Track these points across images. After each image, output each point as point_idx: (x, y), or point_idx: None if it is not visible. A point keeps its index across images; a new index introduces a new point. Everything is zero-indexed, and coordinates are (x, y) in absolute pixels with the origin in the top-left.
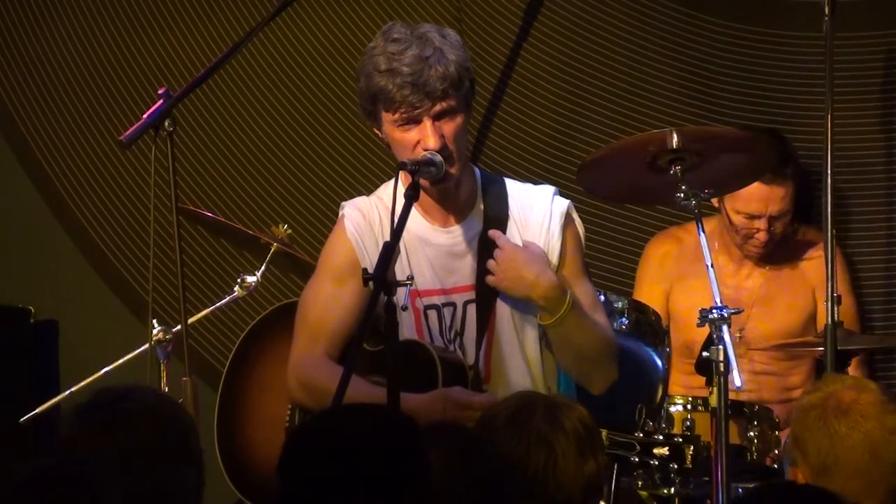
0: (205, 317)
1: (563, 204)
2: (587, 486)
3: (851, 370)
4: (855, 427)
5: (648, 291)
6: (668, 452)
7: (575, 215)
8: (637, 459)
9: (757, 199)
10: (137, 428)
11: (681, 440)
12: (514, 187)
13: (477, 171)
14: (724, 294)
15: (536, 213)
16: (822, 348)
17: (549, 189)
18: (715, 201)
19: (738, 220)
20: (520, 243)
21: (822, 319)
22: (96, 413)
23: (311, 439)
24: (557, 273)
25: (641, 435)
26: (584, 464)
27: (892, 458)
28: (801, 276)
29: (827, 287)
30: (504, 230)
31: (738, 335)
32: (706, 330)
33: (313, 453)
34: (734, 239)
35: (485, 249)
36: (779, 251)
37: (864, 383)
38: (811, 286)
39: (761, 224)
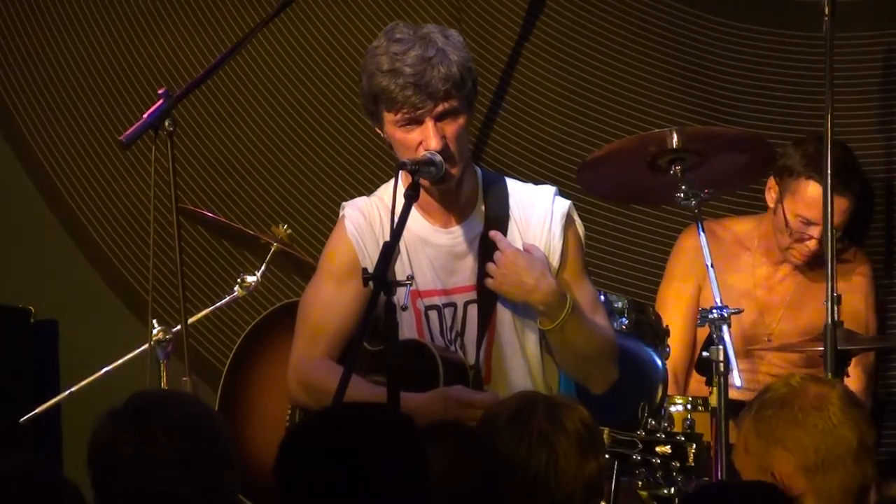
0: (205, 317)
1: (564, 204)
2: (588, 486)
3: (851, 369)
4: (844, 417)
5: (680, 284)
6: (670, 451)
7: (576, 216)
8: (639, 458)
9: (819, 206)
10: (178, 435)
11: (683, 438)
12: (515, 187)
13: (479, 171)
14: (758, 294)
15: (537, 213)
16: (821, 348)
17: (550, 189)
18: (770, 199)
19: (794, 223)
20: (520, 244)
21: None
22: (135, 419)
23: (308, 439)
24: (558, 274)
25: (643, 433)
26: (585, 464)
27: (871, 452)
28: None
29: (827, 287)
30: (505, 230)
31: (767, 338)
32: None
33: (310, 453)
34: (780, 241)
35: (486, 250)
36: (817, 261)
37: (820, 377)
38: (840, 297)
39: (815, 232)
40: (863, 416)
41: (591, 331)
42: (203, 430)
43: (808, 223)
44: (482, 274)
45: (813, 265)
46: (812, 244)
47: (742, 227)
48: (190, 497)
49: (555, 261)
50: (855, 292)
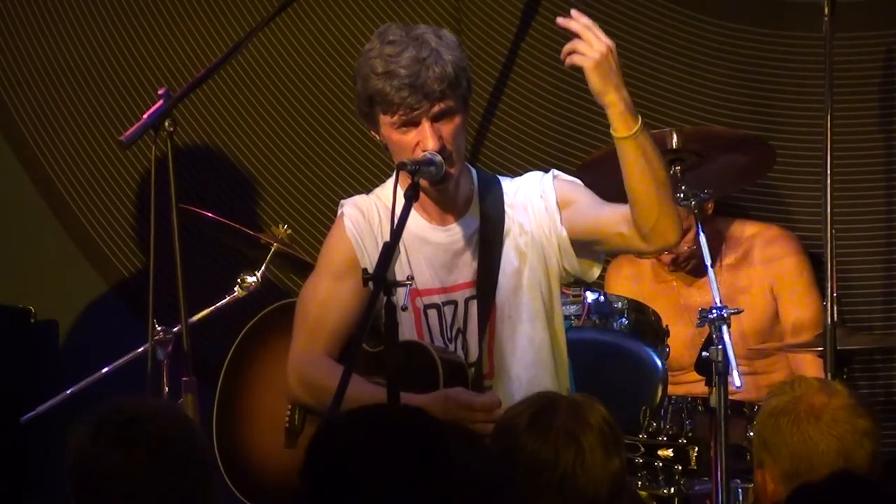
0: (205, 317)
1: (547, 175)
2: (613, 483)
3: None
4: (828, 432)
5: None
6: (672, 454)
7: (561, 174)
8: (641, 461)
9: None
10: (156, 448)
11: (685, 442)
12: (507, 183)
13: (473, 170)
14: (693, 302)
15: (529, 193)
16: (821, 348)
17: (536, 173)
18: None
19: None
20: (520, 239)
21: (786, 319)
22: (113, 432)
23: (338, 441)
24: (566, 210)
25: (645, 436)
26: (610, 461)
27: (864, 462)
28: (757, 276)
29: (827, 287)
30: (501, 227)
31: None
32: (680, 344)
33: (340, 454)
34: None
35: (484, 246)
36: (732, 253)
37: (832, 386)
38: (768, 284)
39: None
40: (861, 429)
41: (657, 148)
42: (181, 443)
43: None
44: (482, 270)
45: (730, 262)
46: (665, 258)
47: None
48: None
49: (557, 220)
50: (788, 273)
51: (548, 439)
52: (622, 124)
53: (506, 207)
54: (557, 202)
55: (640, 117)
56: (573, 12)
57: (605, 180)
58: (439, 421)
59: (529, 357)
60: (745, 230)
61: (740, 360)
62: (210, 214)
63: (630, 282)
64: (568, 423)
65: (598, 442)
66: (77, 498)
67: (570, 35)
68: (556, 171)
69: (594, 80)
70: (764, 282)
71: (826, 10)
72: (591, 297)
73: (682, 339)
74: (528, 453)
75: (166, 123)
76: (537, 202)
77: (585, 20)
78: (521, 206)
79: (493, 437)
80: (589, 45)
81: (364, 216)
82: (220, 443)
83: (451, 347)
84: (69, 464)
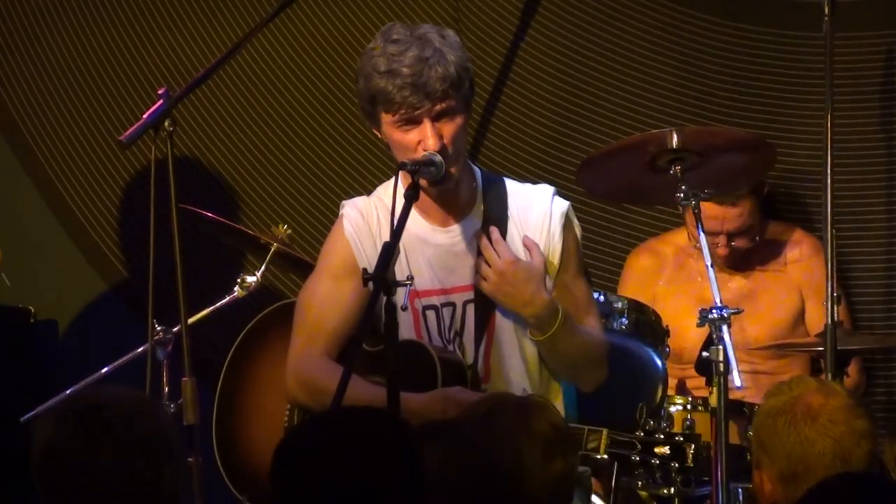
0: (205, 317)
1: (563, 205)
2: (554, 487)
3: (851, 371)
4: (825, 433)
5: None
6: (668, 452)
7: (574, 217)
8: (638, 459)
9: (711, 217)
10: (116, 436)
11: (681, 439)
12: (513, 187)
13: (477, 170)
14: (708, 298)
15: (536, 213)
16: (821, 348)
17: (548, 189)
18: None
19: (696, 236)
20: (520, 243)
21: (813, 318)
22: (74, 422)
23: (303, 446)
24: (557, 275)
25: (642, 434)
26: (550, 464)
27: (862, 463)
28: (784, 275)
29: (827, 287)
30: (504, 230)
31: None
32: (695, 337)
33: (305, 460)
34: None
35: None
36: (759, 253)
37: (830, 387)
38: (796, 285)
39: (720, 240)
40: (859, 430)
41: (580, 340)
42: (142, 427)
43: (710, 234)
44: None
45: (758, 260)
46: (720, 251)
47: (681, 237)
48: (130, 495)
49: (555, 261)
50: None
51: (488, 440)
52: (535, 331)
53: (509, 211)
54: (559, 258)
55: (558, 319)
56: (491, 229)
57: (605, 180)
58: (410, 425)
59: (525, 364)
60: (769, 230)
61: (760, 360)
62: (210, 214)
63: (645, 274)
64: (509, 425)
65: (537, 445)
66: (44, 489)
67: None
68: (570, 209)
69: (500, 302)
70: (792, 282)
71: (826, 10)
72: None
73: (698, 331)
74: (470, 452)
75: (166, 123)
76: (542, 234)
77: (495, 236)
78: (525, 220)
79: (441, 436)
80: (486, 271)
81: (363, 218)
82: (220, 442)
83: (450, 349)
84: (34, 457)
